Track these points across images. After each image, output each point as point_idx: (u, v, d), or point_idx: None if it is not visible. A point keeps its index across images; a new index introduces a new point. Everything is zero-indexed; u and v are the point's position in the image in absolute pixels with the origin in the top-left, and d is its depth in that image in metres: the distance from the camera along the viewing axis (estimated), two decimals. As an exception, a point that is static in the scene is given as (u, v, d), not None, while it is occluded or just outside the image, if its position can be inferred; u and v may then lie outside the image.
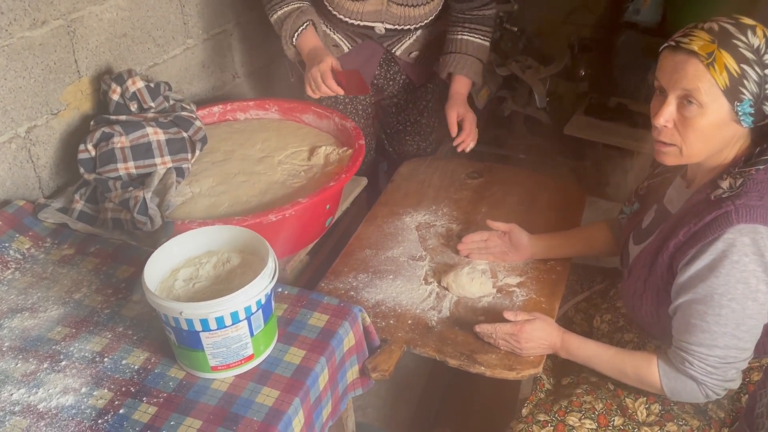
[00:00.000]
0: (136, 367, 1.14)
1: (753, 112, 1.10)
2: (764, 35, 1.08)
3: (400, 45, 1.91)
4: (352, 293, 1.49)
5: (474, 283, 1.46)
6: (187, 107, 1.71)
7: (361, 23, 1.82)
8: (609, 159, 2.61)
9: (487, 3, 1.85)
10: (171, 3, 1.89)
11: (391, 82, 2.01)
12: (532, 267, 1.56)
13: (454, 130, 1.80)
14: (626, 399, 1.30)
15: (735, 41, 1.07)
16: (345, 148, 1.72)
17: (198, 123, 1.65)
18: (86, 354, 1.17)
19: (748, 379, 1.26)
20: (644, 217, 1.38)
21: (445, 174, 1.94)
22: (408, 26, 1.85)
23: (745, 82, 1.08)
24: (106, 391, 1.10)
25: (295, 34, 1.74)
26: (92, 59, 1.67)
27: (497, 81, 2.74)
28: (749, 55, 1.07)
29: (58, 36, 1.56)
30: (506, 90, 2.79)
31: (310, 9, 1.79)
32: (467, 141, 1.79)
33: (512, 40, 2.86)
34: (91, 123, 1.61)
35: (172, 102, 1.72)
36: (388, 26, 1.84)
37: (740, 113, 1.10)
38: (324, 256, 1.73)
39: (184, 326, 1.05)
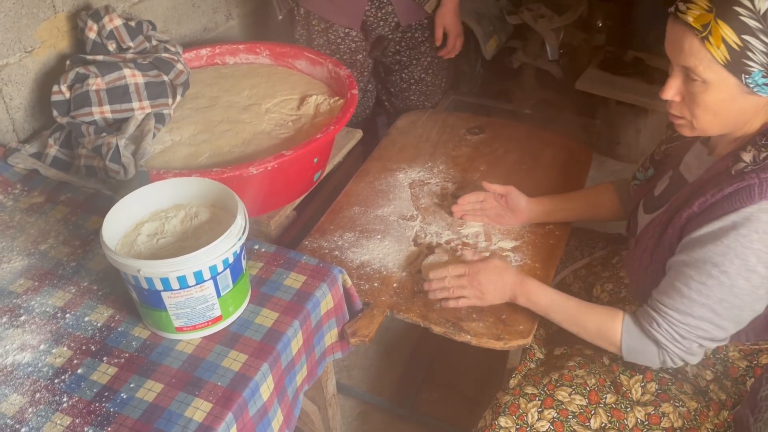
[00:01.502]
0: (98, 325, 1.08)
1: None
2: None
3: None
4: (337, 253, 1.42)
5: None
6: (172, 49, 1.61)
7: None
8: (621, 116, 2.47)
9: None
10: (157, -66, 1.76)
11: (381, 22, 1.88)
12: (528, 231, 1.47)
13: (439, 41, 1.95)
14: (621, 375, 1.22)
15: (736, 8, 0.94)
16: (337, 98, 1.61)
17: (180, 66, 1.55)
18: (47, 309, 1.11)
19: (756, 362, 1.18)
20: (657, 184, 1.28)
21: (444, 128, 1.83)
22: None
23: (750, 54, 0.95)
24: (65, 349, 1.04)
25: None
26: (68, -7, 1.56)
27: (507, 30, 2.58)
28: (753, 23, 0.94)
29: (29, -34, 1.45)
30: (517, 40, 2.63)
31: None
32: (451, 54, 1.99)
33: (526, -15, 2.70)
34: (67, 63, 1.51)
35: (154, 43, 1.61)
36: None
37: (752, 85, 0.98)
38: (312, 212, 1.65)
39: (144, 285, 0.98)
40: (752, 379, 1.17)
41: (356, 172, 1.68)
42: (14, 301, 1.12)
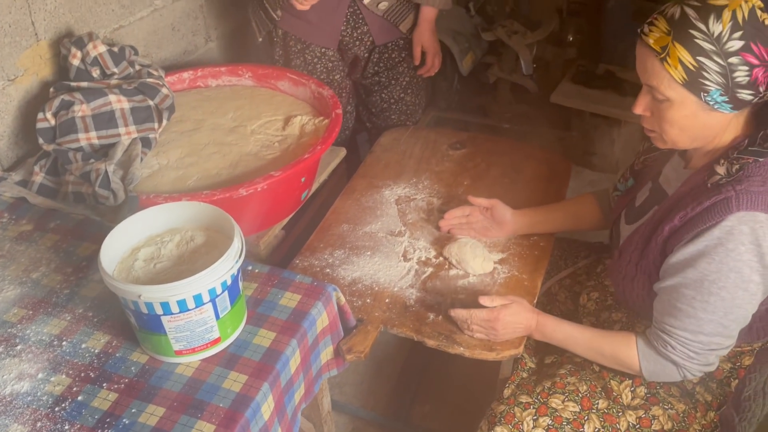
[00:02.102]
0: (96, 351, 1.08)
1: (727, 99, 1.03)
2: (732, 17, 0.98)
3: None
4: (328, 270, 1.44)
5: (477, 260, 1.41)
6: (155, 73, 1.62)
7: None
8: (596, 128, 2.55)
9: None
10: (136, -40, 1.78)
11: (357, 42, 1.91)
12: (514, 243, 1.51)
13: (417, 61, 1.98)
14: (611, 381, 1.26)
15: (692, 31, 0.99)
16: (321, 118, 1.64)
17: (165, 90, 1.56)
18: (43, 337, 1.10)
19: (739, 364, 1.22)
20: (638, 194, 1.32)
21: (426, 145, 1.87)
22: None
23: (705, 74, 1.01)
24: (64, 376, 1.04)
25: None
26: (51, 21, 1.57)
27: (482, 46, 2.64)
28: (707, 45, 0.99)
29: (11, -4, 1.45)
30: (492, 56, 2.70)
31: None
32: (431, 72, 2.02)
33: (498, 4, 2.76)
34: (51, 90, 1.52)
35: (137, 68, 1.62)
36: None
37: (712, 102, 1.04)
38: (300, 230, 1.66)
39: (144, 310, 0.98)
40: (736, 381, 1.22)
41: (342, 190, 1.70)
42: (9, 330, 1.11)
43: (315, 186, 1.66)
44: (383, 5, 1.84)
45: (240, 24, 2.25)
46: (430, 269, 1.43)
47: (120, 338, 1.11)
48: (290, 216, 1.59)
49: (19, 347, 1.08)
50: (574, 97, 2.55)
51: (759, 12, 0.99)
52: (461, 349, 1.26)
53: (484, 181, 1.71)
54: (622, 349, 1.21)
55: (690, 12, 1.00)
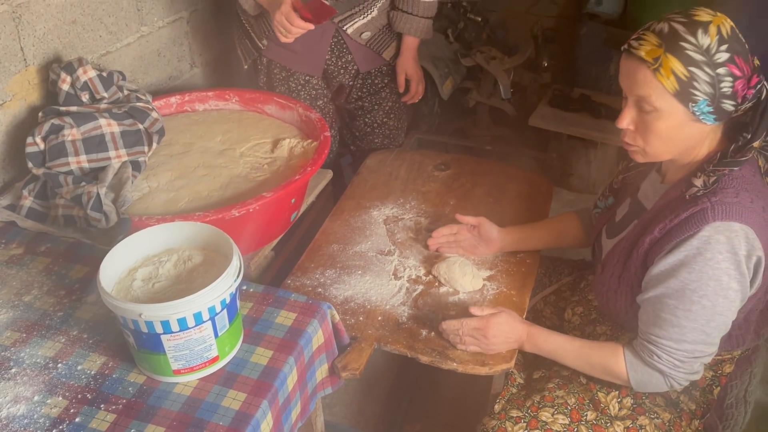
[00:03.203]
0: (92, 373, 1.08)
1: (712, 110, 1.09)
2: (718, 32, 1.05)
3: (352, 23, 1.86)
4: (320, 290, 1.45)
5: (466, 278, 1.44)
6: (143, 98, 1.64)
7: None
8: (573, 150, 2.62)
9: None
10: (124, -12, 1.80)
11: (342, 71, 1.96)
12: (502, 260, 1.54)
13: (402, 88, 2.03)
14: (598, 393, 1.29)
15: (683, 43, 1.06)
16: (309, 141, 1.67)
17: (154, 114, 1.58)
18: (38, 360, 1.10)
19: (720, 372, 1.27)
20: (617, 210, 1.37)
21: (412, 166, 1.90)
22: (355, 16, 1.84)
23: (696, 84, 1.06)
24: (60, 398, 1.04)
25: None
26: (40, 47, 1.58)
27: (461, 72, 2.71)
28: (698, 56, 1.05)
29: (2, 22, 1.46)
30: (471, 81, 2.77)
31: None
32: (415, 99, 2.06)
33: (476, 30, 2.85)
34: (40, 114, 1.52)
35: (126, 92, 1.64)
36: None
37: (698, 113, 1.09)
38: (290, 251, 1.68)
39: (144, 329, 0.99)
40: (718, 388, 1.26)
41: (331, 211, 1.72)
42: (3, 353, 1.10)
43: (303, 207, 1.68)
44: (366, 35, 1.89)
45: (224, 50, 2.29)
46: (421, 287, 1.46)
47: (116, 359, 1.11)
48: (280, 237, 1.60)
49: (13, 370, 1.08)
50: (551, 120, 2.63)
51: (736, 30, 1.07)
52: (454, 364, 1.29)
53: (469, 201, 1.75)
54: (610, 359, 1.24)
55: (679, 27, 1.07)
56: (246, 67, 2.00)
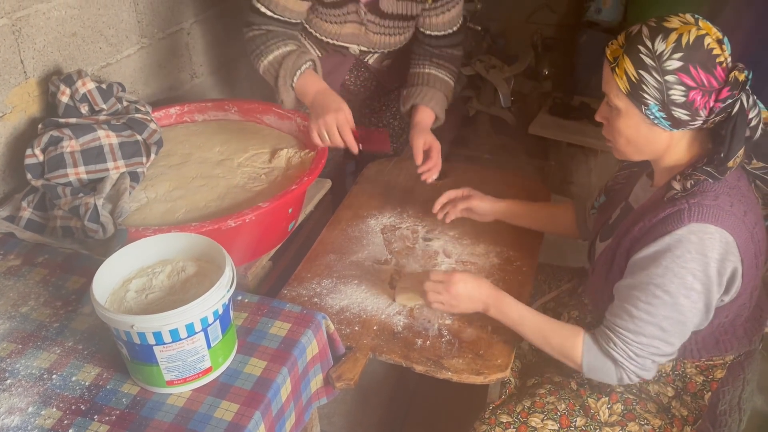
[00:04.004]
0: (86, 384, 1.09)
1: (665, 116, 1.11)
2: (677, 40, 1.06)
3: (372, 56, 1.88)
4: (316, 300, 1.45)
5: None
6: (142, 109, 1.65)
7: (337, 43, 1.80)
8: (572, 157, 2.62)
9: (456, 44, 1.81)
10: (124, 1, 1.82)
11: (362, 88, 1.98)
12: (498, 269, 1.54)
13: (419, 158, 1.67)
14: (588, 399, 1.29)
15: (639, 46, 1.08)
16: (307, 150, 1.68)
17: (153, 125, 1.59)
18: (33, 371, 1.10)
19: (711, 377, 1.26)
20: (612, 214, 1.38)
21: (410, 175, 1.90)
22: (382, 51, 1.84)
23: (645, 87, 1.09)
24: (54, 410, 1.04)
25: (296, 74, 1.58)
26: (39, 59, 1.60)
27: (462, 81, 2.72)
28: (648, 61, 1.08)
29: (1, 35, 1.48)
30: (471, 89, 2.78)
31: (309, 50, 1.69)
32: (433, 171, 1.68)
33: (476, 39, 2.86)
34: (39, 126, 1.54)
35: (125, 104, 1.65)
36: (363, 48, 1.82)
37: (651, 117, 1.12)
38: (287, 261, 1.68)
39: (137, 340, 0.99)
40: (709, 393, 1.26)
41: (329, 221, 1.73)
42: (-2, 365, 1.11)
43: (301, 217, 1.69)
44: (387, 62, 1.90)
45: (225, 61, 2.30)
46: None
47: (110, 370, 1.11)
48: (278, 247, 1.61)
49: (8, 381, 1.08)
50: (551, 128, 2.63)
51: (709, 40, 1.07)
52: (449, 374, 1.28)
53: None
54: (569, 339, 1.25)
55: (645, 30, 1.09)
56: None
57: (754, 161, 1.21)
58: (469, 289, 1.30)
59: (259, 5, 1.63)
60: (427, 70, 1.80)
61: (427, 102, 1.75)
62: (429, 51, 1.81)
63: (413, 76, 1.82)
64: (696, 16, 1.10)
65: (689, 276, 1.11)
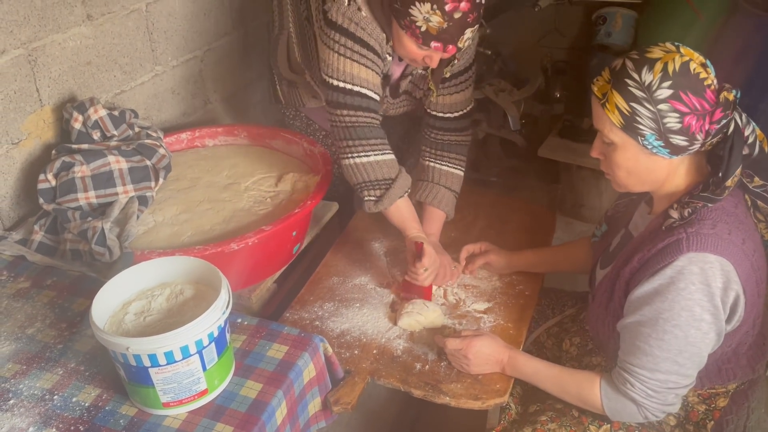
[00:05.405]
0: (86, 405, 1.11)
1: (663, 144, 1.10)
2: (663, 69, 1.07)
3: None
4: (317, 323, 1.47)
5: (429, 313, 1.44)
6: (153, 135, 1.69)
7: None
8: (583, 180, 2.61)
9: (463, 128, 1.75)
10: (138, 30, 1.88)
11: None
12: (500, 292, 1.54)
13: (419, 271, 1.51)
14: (590, 426, 1.28)
15: (626, 80, 1.09)
16: (312, 175, 1.70)
17: (162, 151, 1.63)
18: (36, 392, 1.13)
19: (714, 405, 1.24)
20: (612, 240, 1.37)
21: (414, 200, 1.91)
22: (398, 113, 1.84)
23: (638, 118, 1.09)
24: (54, 430, 1.06)
25: (399, 197, 1.54)
26: (55, 88, 1.65)
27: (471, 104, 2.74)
28: (638, 93, 1.08)
29: (18, 65, 1.54)
30: (480, 113, 2.79)
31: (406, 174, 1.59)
32: (452, 281, 1.61)
33: (487, 63, 2.87)
34: (53, 152, 1.59)
35: (137, 129, 1.70)
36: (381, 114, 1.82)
37: (649, 147, 1.11)
38: (292, 283, 1.70)
39: (132, 362, 1.01)
40: (712, 422, 1.23)
41: (334, 243, 1.75)
42: (2, 385, 1.14)
43: (307, 240, 1.71)
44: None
45: (239, 87, 2.35)
46: (418, 320, 1.46)
47: (110, 391, 1.13)
48: (283, 269, 1.63)
49: (11, 401, 1.11)
50: (560, 150, 2.63)
51: (694, 65, 1.07)
52: (447, 398, 1.28)
53: (470, 233, 1.76)
54: (585, 386, 1.24)
55: (629, 64, 1.10)
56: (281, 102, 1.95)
57: (756, 179, 1.20)
58: (485, 354, 1.32)
59: (338, 82, 1.50)
60: (431, 164, 1.74)
61: (435, 202, 1.69)
62: (434, 139, 1.74)
63: (422, 168, 1.77)
64: (676, 43, 1.11)
65: (697, 307, 1.10)
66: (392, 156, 1.58)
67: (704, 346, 1.13)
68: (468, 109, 1.74)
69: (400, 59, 1.59)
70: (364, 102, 1.53)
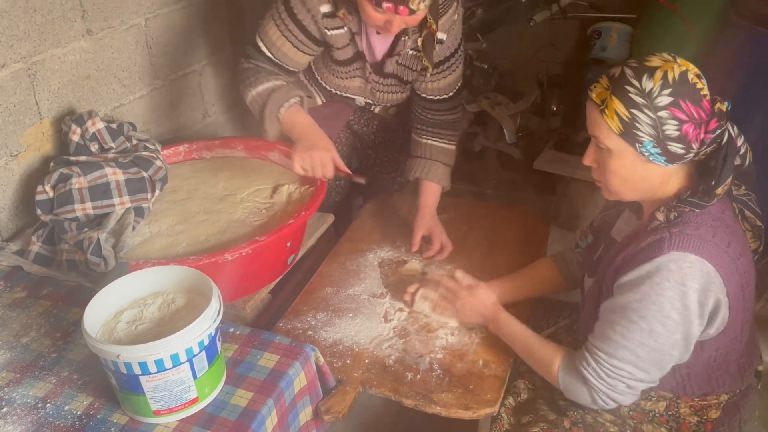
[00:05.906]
0: (78, 413, 1.12)
1: (660, 151, 1.12)
2: (663, 77, 1.08)
3: (376, 107, 1.93)
4: (310, 333, 1.48)
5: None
6: (151, 147, 1.72)
7: (345, 95, 1.85)
8: (578, 192, 2.62)
9: (453, 108, 1.82)
10: (137, 45, 1.91)
11: (365, 128, 2.02)
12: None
13: (415, 247, 1.72)
14: (581, 437, 1.28)
15: (627, 86, 1.10)
16: (307, 186, 1.72)
17: (159, 162, 1.65)
18: (29, 400, 1.14)
19: (705, 417, 1.24)
20: (598, 250, 1.39)
21: (411, 210, 1.93)
22: (386, 105, 1.89)
23: (638, 125, 1.10)
24: (45, 438, 1.07)
25: (284, 106, 1.60)
26: (54, 101, 1.68)
27: (468, 117, 2.77)
28: (639, 99, 1.09)
29: (17, 78, 1.57)
30: (477, 126, 2.82)
31: (298, 87, 1.70)
32: (444, 253, 1.71)
33: (484, 77, 2.90)
34: (51, 164, 1.61)
35: (135, 142, 1.72)
36: (368, 101, 1.87)
37: (646, 154, 1.13)
38: (287, 294, 1.71)
39: (123, 370, 1.03)
40: (704, 434, 1.24)
41: (328, 254, 1.76)
42: (-4, 393, 1.15)
43: (302, 251, 1.72)
44: (392, 110, 1.95)
45: (237, 101, 2.38)
46: (410, 329, 1.47)
47: (102, 400, 1.14)
48: (277, 280, 1.64)
49: (5, 410, 1.12)
50: (556, 163, 2.65)
51: (691, 75, 1.10)
52: (437, 408, 1.29)
53: (465, 244, 1.77)
54: (549, 356, 1.29)
55: (628, 71, 1.12)
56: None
57: (742, 188, 1.22)
58: (473, 304, 1.43)
59: (261, 44, 1.66)
60: (427, 141, 1.82)
61: (431, 177, 1.78)
62: (426, 118, 1.82)
63: (414, 145, 1.84)
64: (672, 54, 1.13)
65: (666, 303, 1.12)
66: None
67: (668, 346, 1.14)
68: (458, 86, 1.82)
69: (378, 33, 1.66)
70: (276, 69, 1.68)
